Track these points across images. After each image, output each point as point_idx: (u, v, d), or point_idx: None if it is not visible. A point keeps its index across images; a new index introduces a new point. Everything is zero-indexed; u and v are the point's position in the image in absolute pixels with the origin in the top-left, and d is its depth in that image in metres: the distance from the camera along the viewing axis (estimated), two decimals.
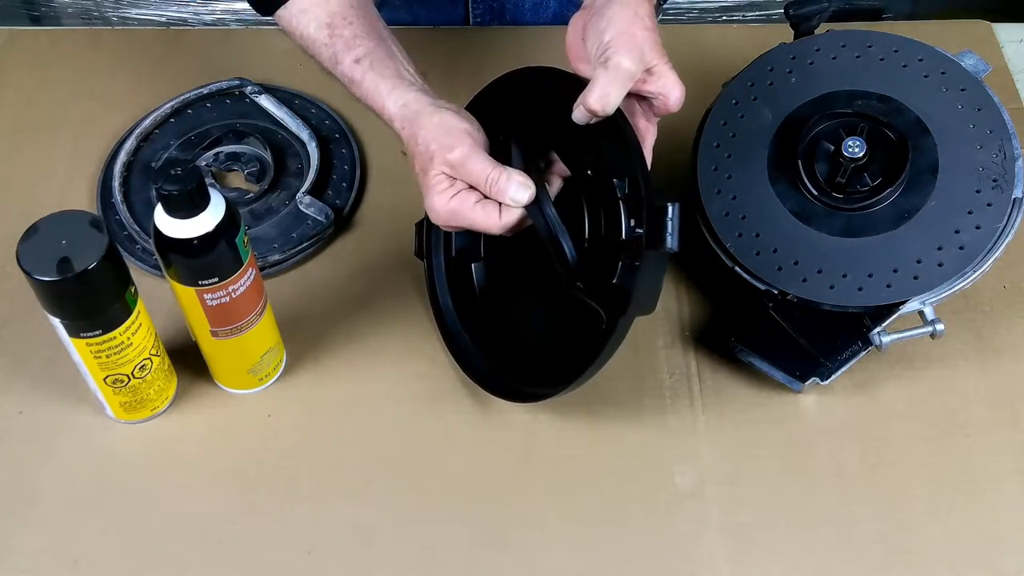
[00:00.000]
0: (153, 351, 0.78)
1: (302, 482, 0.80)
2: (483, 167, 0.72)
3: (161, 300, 0.84)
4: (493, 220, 0.73)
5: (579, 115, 0.72)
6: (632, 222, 0.71)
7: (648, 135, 0.78)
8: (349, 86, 0.79)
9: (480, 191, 0.73)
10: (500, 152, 0.76)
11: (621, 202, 0.72)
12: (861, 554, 0.75)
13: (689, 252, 0.89)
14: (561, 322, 0.79)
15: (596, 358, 0.72)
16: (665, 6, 1.39)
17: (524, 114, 0.78)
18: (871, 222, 0.81)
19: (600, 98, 0.71)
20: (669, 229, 0.68)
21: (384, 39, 0.80)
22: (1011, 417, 0.82)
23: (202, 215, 0.70)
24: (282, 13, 0.82)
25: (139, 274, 0.88)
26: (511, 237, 0.75)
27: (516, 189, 0.72)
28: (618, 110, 0.72)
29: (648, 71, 0.74)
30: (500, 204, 0.73)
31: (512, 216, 0.73)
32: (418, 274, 0.89)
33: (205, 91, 1.04)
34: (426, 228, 0.88)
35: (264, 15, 0.83)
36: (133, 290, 0.74)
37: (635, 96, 0.76)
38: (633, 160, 0.71)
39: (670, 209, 0.68)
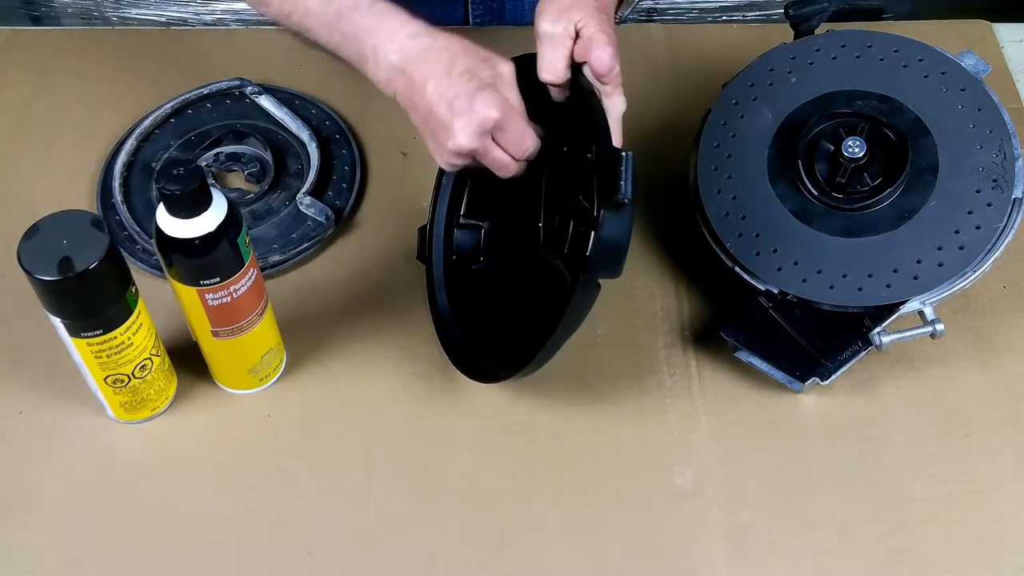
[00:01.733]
0: (153, 351, 0.78)
1: (302, 482, 0.80)
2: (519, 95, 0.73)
3: (161, 300, 0.84)
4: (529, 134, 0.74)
5: (552, 93, 0.75)
6: (585, 203, 0.72)
7: (611, 106, 0.75)
8: (349, 14, 0.76)
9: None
10: None
11: (593, 173, 0.72)
12: (861, 554, 0.75)
13: (689, 252, 0.90)
14: (552, 309, 0.79)
15: (560, 320, 0.71)
16: (664, 6, 1.39)
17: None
18: (871, 222, 0.81)
19: (546, 67, 0.73)
20: (622, 177, 0.68)
21: None
22: (1011, 417, 0.82)
23: (204, 215, 0.70)
24: None
25: (139, 274, 0.88)
26: (508, 237, 0.76)
27: (533, 138, 0.74)
28: (583, 82, 0.74)
29: (578, 34, 0.74)
30: None
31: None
32: (418, 275, 0.89)
33: (205, 91, 1.04)
34: (428, 231, 0.88)
35: None
36: (134, 290, 0.74)
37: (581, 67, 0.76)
38: (595, 127, 0.72)
39: (624, 158, 0.68)
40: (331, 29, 0.77)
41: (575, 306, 0.71)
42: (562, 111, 0.76)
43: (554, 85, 0.74)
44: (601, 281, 0.71)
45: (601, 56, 0.72)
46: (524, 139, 0.73)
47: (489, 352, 0.83)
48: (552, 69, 0.73)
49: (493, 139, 0.73)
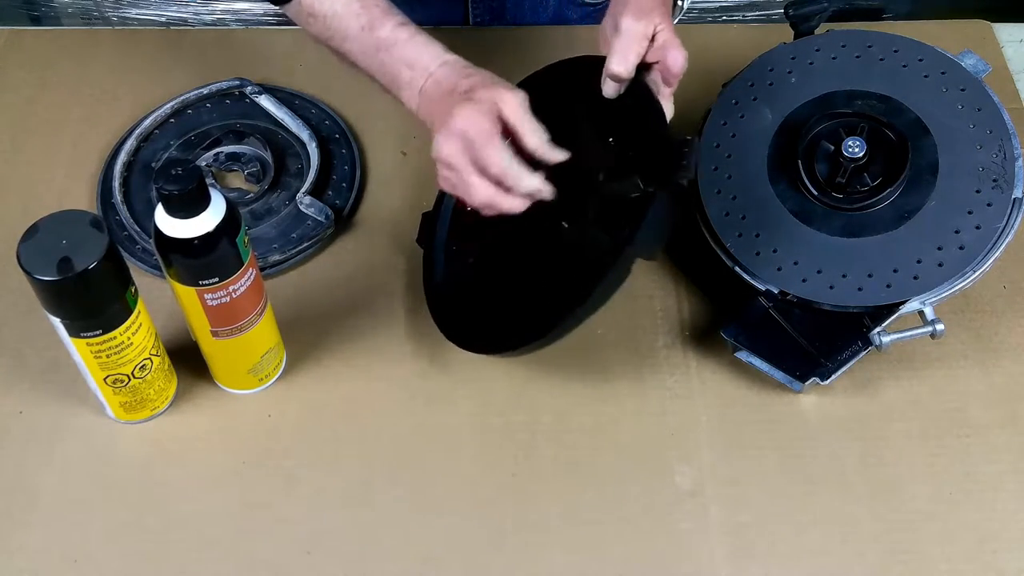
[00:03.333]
0: (153, 351, 0.78)
1: (302, 482, 0.80)
2: (534, 123, 0.73)
3: (161, 300, 0.84)
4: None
5: (608, 89, 0.77)
6: (642, 183, 0.74)
7: (663, 108, 0.78)
8: (388, 48, 0.78)
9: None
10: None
11: (652, 157, 0.74)
12: (861, 554, 0.75)
13: (689, 252, 0.90)
14: (568, 285, 0.78)
15: (592, 291, 0.73)
16: None
17: (560, 105, 0.80)
18: (871, 222, 0.81)
19: (619, 61, 0.75)
20: (686, 159, 0.71)
21: None
22: (1011, 417, 0.82)
23: (203, 215, 0.70)
24: None
25: (139, 274, 0.89)
26: (508, 231, 0.77)
27: (530, 177, 0.73)
28: (639, 80, 0.76)
29: (653, 39, 0.76)
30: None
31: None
32: (418, 275, 0.89)
33: (205, 91, 1.04)
34: (431, 219, 0.88)
35: (279, 3, 0.83)
36: (133, 290, 0.74)
37: (646, 68, 0.78)
38: (657, 116, 0.74)
39: (692, 143, 0.71)
40: (370, 57, 0.80)
41: (611, 279, 0.73)
42: (604, 107, 0.78)
43: (619, 79, 0.76)
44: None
45: (677, 57, 0.76)
46: (501, 163, 0.72)
47: (489, 329, 0.83)
48: (624, 64, 0.75)
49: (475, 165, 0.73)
